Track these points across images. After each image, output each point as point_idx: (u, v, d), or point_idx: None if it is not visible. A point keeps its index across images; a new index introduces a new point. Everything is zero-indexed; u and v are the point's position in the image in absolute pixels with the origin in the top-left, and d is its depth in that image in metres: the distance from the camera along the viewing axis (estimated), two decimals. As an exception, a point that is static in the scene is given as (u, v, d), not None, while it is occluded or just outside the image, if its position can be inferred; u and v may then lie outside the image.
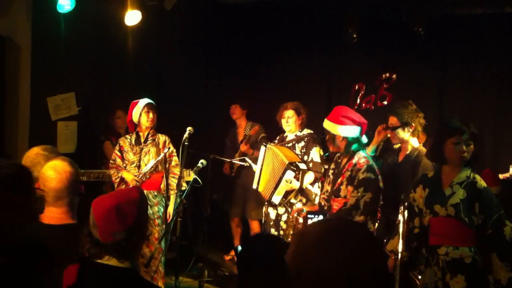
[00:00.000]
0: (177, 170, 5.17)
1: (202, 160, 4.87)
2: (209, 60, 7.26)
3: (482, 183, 3.46)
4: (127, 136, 5.29)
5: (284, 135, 5.33)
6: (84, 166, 5.79)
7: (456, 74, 6.18)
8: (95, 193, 2.70)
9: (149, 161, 5.11)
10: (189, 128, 4.87)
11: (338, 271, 1.38)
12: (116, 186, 5.19)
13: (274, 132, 5.77)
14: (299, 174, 4.72)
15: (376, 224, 4.14)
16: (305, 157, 5.03)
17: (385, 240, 3.78)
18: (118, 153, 5.23)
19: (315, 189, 4.95)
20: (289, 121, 5.15)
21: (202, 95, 7.21)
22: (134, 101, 5.19)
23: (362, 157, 4.10)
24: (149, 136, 5.19)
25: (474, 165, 3.55)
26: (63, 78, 5.93)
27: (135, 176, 5.08)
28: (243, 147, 6.12)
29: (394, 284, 3.27)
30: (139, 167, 5.13)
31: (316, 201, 4.65)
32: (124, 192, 2.36)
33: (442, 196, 3.50)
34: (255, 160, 5.39)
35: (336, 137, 4.12)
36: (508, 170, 5.58)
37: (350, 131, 4.07)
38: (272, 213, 5.09)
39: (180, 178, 4.91)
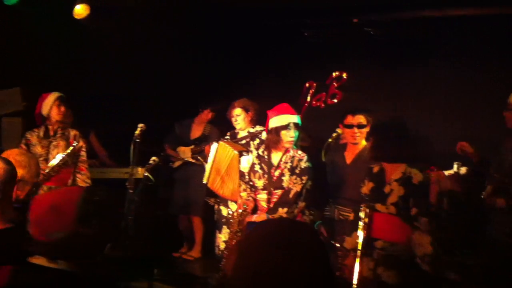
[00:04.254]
0: (83, 166, 5.10)
1: (153, 157, 4.82)
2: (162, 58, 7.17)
3: (417, 177, 3.59)
4: (35, 129, 5.12)
5: (235, 131, 5.34)
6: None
7: (405, 73, 6.32)
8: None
9: (58, 154, 4.99)
10: (140, 125, 4.80)
11: (281, 272, 1.38)
12: None
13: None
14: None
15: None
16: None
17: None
18: (25, 147, 5.03)
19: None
20: (238, 119, 5.18)
21: (152, 91, 7.11)
22: (45, 93, 5.07)
23: (295, 150, 4.33)
24: (59, 129, 5.08)
25: (419, 164, 3.70)
26: (8, 73, 5.73)
27: (42, 170, 4.95)
28: (208, 149, 6.02)
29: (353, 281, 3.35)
30: (47, 160, 4.99)
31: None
32: (66, 192, 2.32)
33: (383, 194, 3.63)
34: (205, 158, 5.41)
35: (294, 130, 4.24)
36: (453, 167, 5.74)
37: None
38: (224, 210, 5.09)
39: (132, 175, 4.82)
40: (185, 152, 6.40)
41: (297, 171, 4.24)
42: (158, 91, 7.09)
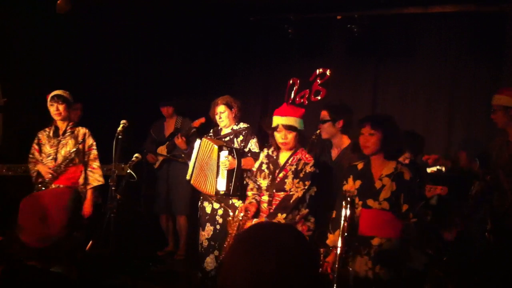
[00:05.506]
0: (95, 164, 5.06)
1: (136, 154, 4.79)
2: (142, 54, 7.12)
3: (408, 173, 3.62)
4: (46, 129, 5.10)
5: (219, 128, 5.32)
6: (11, 160, 5.54)
7: (389, 70, 6.35)
8: (27, 189, 2.58)
9: (66, 153, 4.97)
10: (122, 121, 4.75)
11: (269, 275, 1.38)
12: (33, 180, 5.01)
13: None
14: (233, 152, 4.82)
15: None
16: (245, 150, 5.06)
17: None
18: (36, 147, 5.06)
19: None
20: (222, 116, 5.14)
21: (134, 88, 7.07)
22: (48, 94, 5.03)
23: (305, 153, 4.21)
24: (68, 128, 5.04)
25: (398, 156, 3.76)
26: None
27: (50, 168, 4.92)
28: (178, 141, 6.07)
29: (334, 279, 3.35)
30: (55, 159, 4.97)
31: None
32: (54, 194, 2.25)
33: (374, 190, 3.62)
34: (188, 156, 5.40)
35: (285, 132, 4.18)
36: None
37: (301, 124, 4.23)
38: (208, 207, 5.07)
39: (114, 172, 4.77)
40: (162, 150, 6.41)
41: (301, 175, 4.10)
42: (141, 87, 7.05)
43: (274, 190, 4.21)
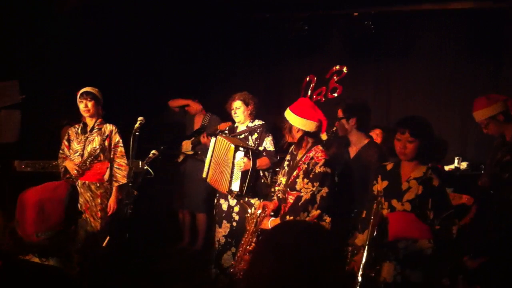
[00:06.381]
0: (122, 161, 5.07)
1: (153, 151, 4.81)
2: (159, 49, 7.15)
3: (438, 180, 3.51)
4: (76, 125, 5.16)
5: (235, 125, 5.33)
6: (29, 157, 5.60)
7: (404, 67, 6.32)
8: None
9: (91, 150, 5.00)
10: (140, 118, 4.77)
11: (298, 276, 1.38)
12: (61, 175, 5.06)
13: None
14: (249, 153, 4.78)
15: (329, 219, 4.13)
16: (260, 148, 5.05)
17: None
18: (66, 143, 5.12)
19: None
20: (237, 112, 5.14)
21: (153, 85, 7.11)
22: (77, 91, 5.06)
23: (319, 151, 4.04)
24: (96, 125, 5.08)
25: (430, 161, 3.63)
26: (6, 65, 5.71)
27: (76, 165, 4.95)
28: (204, 140, 6.00)
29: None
30: (82, 156, 5.01)
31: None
32: (51, 188, 2.23)
33: (399, 191, 3.54)
34: (204, 153, 5.41)
35: (293, 128, 4.12)
36: (453, 162, 5.75)
37: (307, 125, 4.01)
38: (224, 205, 5.08)
39: (131, 169, 4.80)
40: (187, 146, 6.42)
41: (310, 175, 3.95)
42: (159, 85, 7.09)
43: (288, 189, 4.15)
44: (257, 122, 5.19)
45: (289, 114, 4.07)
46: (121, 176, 5.03)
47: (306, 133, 4.05)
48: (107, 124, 5.13)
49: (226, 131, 5.37)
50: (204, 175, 5.21)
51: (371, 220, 3.40)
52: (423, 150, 3.52)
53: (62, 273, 2.17)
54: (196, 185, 6.20)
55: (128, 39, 6.70)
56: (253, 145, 5.05)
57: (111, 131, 5.09)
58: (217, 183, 5.05)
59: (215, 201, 5.18)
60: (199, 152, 6.15)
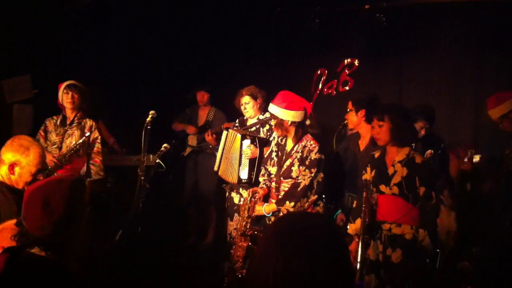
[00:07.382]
0: (98, 158, 5.07)
1: (165, 144, 4.81)
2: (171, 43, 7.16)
3: (420, 157, 3.72)
4: (54, 117, 5.14)
5: (245, 118, 5.33)
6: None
7: (416, 60, 6.26)
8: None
9: (71, 143, 5.00)
10: (151, 112, 4.77)
11: (303, 271, 1.36)
12: None
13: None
14: (256, 141, 4.82)
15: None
16: (270, 139, 5.04)
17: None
18: (42, 133, 5.07)
19: None
20: (247, 107, 5.16)
21: (163, 79, 7.12)
22: (60, 83, 5.08)
23: (310, 139, 4.22)
24: (76, 119, 5.07)
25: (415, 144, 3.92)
26: (18, 60, 5.73)
27: (54, 157, 4.94)
28: (208, 138, 6.00)
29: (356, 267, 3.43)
30: (60, 148, 5.00)
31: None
32: (55, 182, 2.25)
33: (387, 176, 3.72)
34: (215, 147, 5.44)
35: (284, 122, 4.16)
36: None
37: (298, 116, 4.16)
38: (236, 198, 5.07)
39: (143, 162, 4.80)
40: (193, 139, 6.42)
41: (306, 162, 4.12)
42: (167, 78, 7.09)
43: (282, 178, 4.24)
44: (268, 114, 5.17)
45: (277, 109, 4.17)
46: (94, 172, 5.04)
47: (298, 124, 4.18)
48: (87, 119, 5.12)
49: (237, 125, 5.36)
50: (215, 168, 5.22)
51: (363, 208, 3.61)
52: (396, 132, 3.69)
53: (66, 267, 2.19)
54: (206, 179, 6.21)
55: (140, 33, 6.70)
56: (264, 136, 5.04)
57: (91, 127, 5.08)
58: (227, 175, 5.06)
59: (227, 194, 5.19)
60: (210, 146, 6.12)
